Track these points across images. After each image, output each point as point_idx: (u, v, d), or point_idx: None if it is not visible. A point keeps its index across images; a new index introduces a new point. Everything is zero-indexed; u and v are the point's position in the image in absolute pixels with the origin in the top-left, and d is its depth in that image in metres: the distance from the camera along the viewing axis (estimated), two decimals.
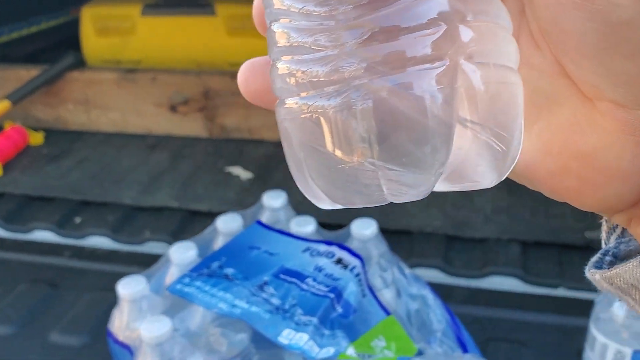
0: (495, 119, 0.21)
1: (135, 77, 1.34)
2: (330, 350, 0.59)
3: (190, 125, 1.36)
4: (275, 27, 0.22)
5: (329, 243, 0.71)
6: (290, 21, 0.22)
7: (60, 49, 1.40)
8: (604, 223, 0.27)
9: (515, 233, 1.05)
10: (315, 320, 0.62)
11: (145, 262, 0.88)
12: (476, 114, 0.21)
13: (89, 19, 1.42)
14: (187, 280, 0.68)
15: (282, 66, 0.22)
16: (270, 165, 1.27)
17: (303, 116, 0.21)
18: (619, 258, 0.26)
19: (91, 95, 1.37)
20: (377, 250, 0.74)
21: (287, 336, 0.60)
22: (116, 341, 0.68)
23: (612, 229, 0.27)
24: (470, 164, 0.22)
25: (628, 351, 0.67)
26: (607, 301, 0.69)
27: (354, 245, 0.74)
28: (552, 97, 0.23)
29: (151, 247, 1.09)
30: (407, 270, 0.76)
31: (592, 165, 0.23)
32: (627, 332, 0.67)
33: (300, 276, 0.67)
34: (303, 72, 0.21)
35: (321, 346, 0.60)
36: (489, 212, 1.11)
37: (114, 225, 1.13)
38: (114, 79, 1.35)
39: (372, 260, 0.73)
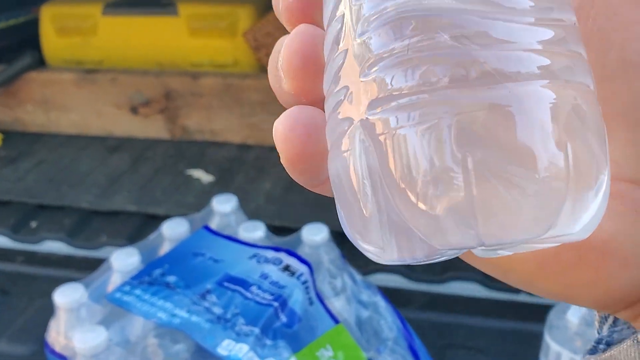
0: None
1: (95, 77, 1.31)
2: None
3: (152, 127, 1.33)
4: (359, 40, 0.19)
5: (277, 249, 0.69)
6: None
7: (20, 48, 1.36)
8: (595, 313, 0.26)
9: None
10: (257, 330, 0.60)
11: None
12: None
13: (48, 18, 1.39)
14: (127, 288, 0.65)
15: (367, 79, 0.18)
16: (232, 168, 1.24)
17: (382, 136, 0.17)
18: (612, 346, 0.25)
19: (50, 95, 1.34)
20: (328, 256, 0.72)
21: (227, 347, 0.58)
22: (53, 352, 0.65)
23: (604, 319, 0.26)
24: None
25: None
26: (561, 309, 0.67)
27: (304, 251, 0.72)
28: None
29: (107, 252, 1.06)
30: (358, 277, 0.74)
31: (609, 253, 0.22)
32: (581, 340, 0.65)
33: (245, 284, 0.65)
34: (387, 82, 0.18)
35: (262, 357, 0.58)
36: None
37: (70, 229, 1.10)
38: (73, 79, 1.32)
39: (323, 267, 0.71)
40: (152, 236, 0.77)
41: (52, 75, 1.34)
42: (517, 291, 0.95)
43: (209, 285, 0.65)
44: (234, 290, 0.64)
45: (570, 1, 0.19)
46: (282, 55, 0.21)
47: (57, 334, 0.65)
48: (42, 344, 0.87)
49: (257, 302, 0.63)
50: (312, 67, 0.21)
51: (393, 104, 0.17)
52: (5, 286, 1.00)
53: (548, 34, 0.18)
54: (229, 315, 0.61)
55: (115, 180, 1.22)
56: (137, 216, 1.12)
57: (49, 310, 0.93)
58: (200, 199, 1.14)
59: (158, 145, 1.32)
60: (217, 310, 0.62)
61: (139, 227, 1.10)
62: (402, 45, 0.17)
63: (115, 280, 0.69)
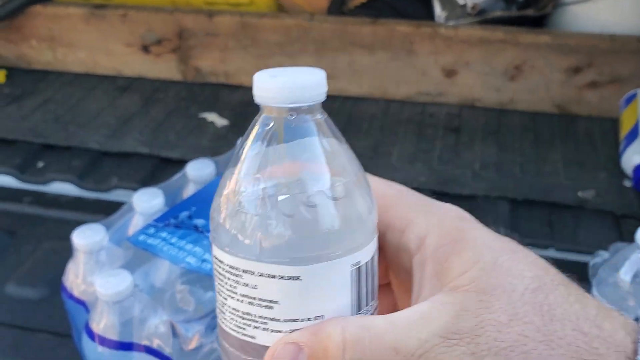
0: None
1: (105, 13, 1.25)
2: None
3: (164, 67, 1.28)
4: None
5: None
6: None
7: None
8: None
9: (505, 190, 1.00)
10: None
11: (111, 211, 0.80)
12: None
13: None
14: (151, 230, 0.61)
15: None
16: (247, 112, 1.19)
17: None
18: None
19: (57, 31, 1.28)
20: None
21: None
22: (70, 296, 0.61)
23: None
24: None
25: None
26: (613, 266, 0.63)
27: None
28: None
29: (118, 195, 1.02)
30: None
31: None
32: (634, 299, 0.61)
33: None
34: None
35: None
36: (478, 168, 1.05)
37: (79, 170, 1.05)
38: (81, 14, 1.26)
39: None
40: (175, 177, 0.72)
41: (59, 9, 1.27)
42: (545, 247, 0.91)
43: None
44: None
45: None
46: None
47: (76, 278, 0.61)
48: (51, 288, 0.83)
49: None
50: None
51: None
52: (12, 227, 0.95)
53: None
54: None
55: (126, 122, 1.17)
56: (149, 159, 1.08)
57: (59, 253, 0.89)
58: (215, 143, 1.10)
59: (170, 87, 1.27)
60: None
61: (151, 170, 1.05)
62: None
63: (137, 222, 0.64)
